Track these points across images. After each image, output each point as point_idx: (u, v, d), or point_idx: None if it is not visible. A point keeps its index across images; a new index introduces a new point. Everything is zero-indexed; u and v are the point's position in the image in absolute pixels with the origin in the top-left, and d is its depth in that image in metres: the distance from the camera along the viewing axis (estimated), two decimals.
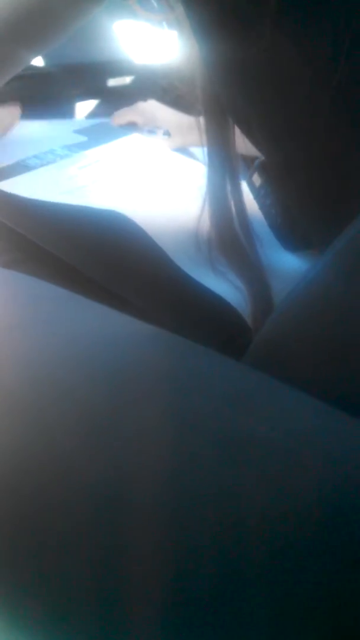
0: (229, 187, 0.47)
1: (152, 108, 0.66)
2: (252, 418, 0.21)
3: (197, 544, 0.17)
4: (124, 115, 0.67)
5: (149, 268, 0.43)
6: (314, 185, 0.40)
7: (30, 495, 0.19)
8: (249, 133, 0.47)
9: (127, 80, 0.75)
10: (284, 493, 0.18)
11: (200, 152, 0.56)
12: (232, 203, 0.47)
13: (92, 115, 0.74)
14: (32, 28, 0.45)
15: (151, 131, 0.66)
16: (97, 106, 0.74)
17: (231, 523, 0.17)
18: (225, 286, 0.43)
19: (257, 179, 0.48)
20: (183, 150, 0.64)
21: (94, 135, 0.62)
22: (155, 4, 0.71)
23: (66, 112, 0.71)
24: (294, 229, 0.45)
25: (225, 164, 0.46)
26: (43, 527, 0.18)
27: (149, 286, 0.42)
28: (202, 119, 0.48)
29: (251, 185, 0.49)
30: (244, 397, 0.22)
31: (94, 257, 0.44)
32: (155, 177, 0.56)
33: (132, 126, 0.66)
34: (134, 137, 0.63)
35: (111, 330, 0.28)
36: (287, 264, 0.45)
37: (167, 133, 0.65)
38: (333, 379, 0.25)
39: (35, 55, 0.49)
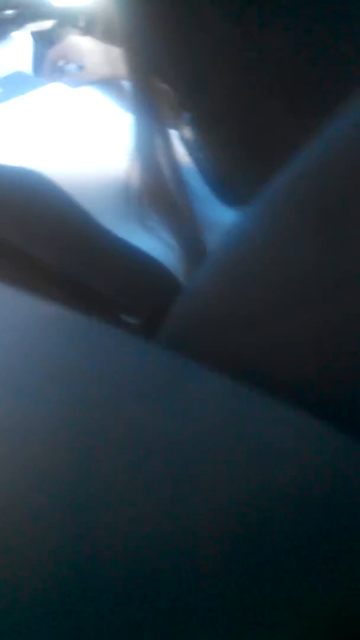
0: (158, 139, 0.45)
1: (77, 42, 0.62)
2: (177, 417, 0.19)
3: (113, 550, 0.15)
4: (50, 57, 0.62)
5: (68, 229, 0.40)
6: (239, 137, 0.39)
7: None
8: (176, 85, 0.44)
9: (47, 24, 0.70)
10: (197, 490, 0.17)
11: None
12: (162, 155, 0.44)
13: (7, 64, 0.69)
14: None
15: (62, 69, 0.62)
16: (13, 54, 0.69)
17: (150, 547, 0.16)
18: (156, 244, 0.41)
19: (187, 132, 0.46)
20: (110, 93, 0.60)
21: (9, 86, 0.57)
22: None
23: None
24: (229, 183, 0.43)
25: (152, 113, 0.44)
26: None
27: (69, 248, 0.39)
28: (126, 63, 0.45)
29: (183, 138, 0.47)
30: (164, 392, 0.20)
31: (6, 218, 0.40)
32: (78, 129, 0.52)
33: (58, 74, 0.62)
34: (53, 87, 0.59)
35: (13, 313, 0.25)
36: (225, 219, 0.43)
37: (80, 68, 0.61)
38: (252, 351, 0.23)
39: None
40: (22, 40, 0.68)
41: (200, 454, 0.18)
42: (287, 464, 0.18)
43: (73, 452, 0.17)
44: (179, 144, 0.47)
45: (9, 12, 0.68)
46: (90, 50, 0.63)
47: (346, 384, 0.21)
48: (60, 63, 0.65)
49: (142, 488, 0.17)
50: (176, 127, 0.47)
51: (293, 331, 0.22)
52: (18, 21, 0.71)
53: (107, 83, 0.63)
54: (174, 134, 0.46)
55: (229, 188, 0.43)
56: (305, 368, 0.22)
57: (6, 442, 0.18)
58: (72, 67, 0.64)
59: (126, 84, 0.65)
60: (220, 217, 0.44)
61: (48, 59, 0.65)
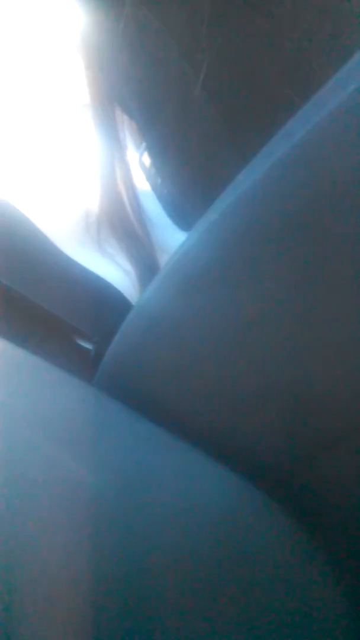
0: (118, 164, 0.45)
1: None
2: (92, 460, 0.19)
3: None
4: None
5: (22, 248, 0.40)
6: (186, 166, 0.39)
7: None
8: (131, 112, 0.45)
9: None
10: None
11: None
12: (121, 180, 0.45)
13: None
14: None
15: None
16: None
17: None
18: (113, 269, 0.41)
19: (146, 159, 0.47)
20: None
21: None
22: None
23: None
24: (182, 208, 0.44)
25: (113, 139, 0.45)
26: None
27: (23, 269, 0.40)
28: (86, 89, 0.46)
29: (142, 165, 0.48)
30: (85, 433, 0.20)
31: None
32: (40, 152, 0.53)
33: None
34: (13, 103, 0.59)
35: None
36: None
37: None
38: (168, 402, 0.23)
39: None
40: None
41: (119, 498, 0.18)
42: (193, 503, 0.18)
43: None
44: (138, 170, 0.48)
45: None
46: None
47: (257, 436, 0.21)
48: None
49: (50, 530, 0.16)
50: (136, 154, 0.48)
51: (209, 381, 0.22)
52: None
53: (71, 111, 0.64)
54: (133, 160, 0.47)
55: (182, 213, 0.44)
56: (217, 418, 0.21)
57: None
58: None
59: (89, 110, 0.66)
60: (177, 242, 0.45)
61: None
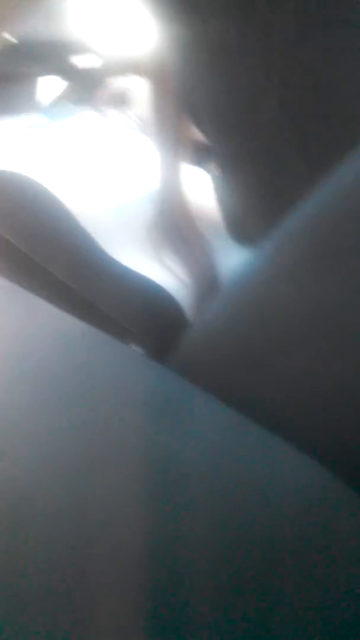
0: (180, 173, 0.46)
1: (119, 85, 0.64)
2: (180, 437, 0.19)
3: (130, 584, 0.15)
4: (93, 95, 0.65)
5: (81, 251, 0.41)
6: (258, 180, 0.39)
7: None
8: (200, 123, 0.45)
9: (93, 62, 0.72)
10: (225, 517, 0.17)
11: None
12: (182, 191, 0.45)
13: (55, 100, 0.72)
14: None
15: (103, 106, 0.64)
16: (61, 90, 0.71)
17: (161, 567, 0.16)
18: (169, 278, 0.41)
19: (209, 169, 0.47)
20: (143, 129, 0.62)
21: (55, 113, 0.60)
22: None
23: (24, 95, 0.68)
24: (244, 222, 0.43)
25: (176, 148, 0.45)
26: None
27: (82, 272, 0.40)
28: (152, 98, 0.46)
29: (202, 174, 0.48)
30: (169, 411, 0.21)
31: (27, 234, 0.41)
32: (105, 159, 0.54)
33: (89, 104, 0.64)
34: (87, 115, 0.61)
35: (30, 316, 0.26)
36: (239, 258, 0.43)
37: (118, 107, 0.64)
38: (260, 386, 0.23)
39: None
40: (68, 73, 0.71)
41: (195, 473, 0.18)
42: (275, 494, 0.18)
43: (74, 459, 0.18)
44: (200, 182, 0.48)
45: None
46: (129, 92, 0.65)
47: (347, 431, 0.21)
48: (101, 101, 0.67)
49: (139, 501, 0.17)
50: (199, 165, 0.48)
51: (296, 371, 0.22)
52: (65, 57, 0.74)
53: (142, 123, 0.65)
54: (196, 172, 0.47)
55: (245, 229, 0.44)
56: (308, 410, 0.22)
57: (9, 444, 0.18)
58: (112, 106, 0.66)
59: (157, 123, 0.67)
60: (234, 256, 0.44)
61: (91, 95, 0.67)
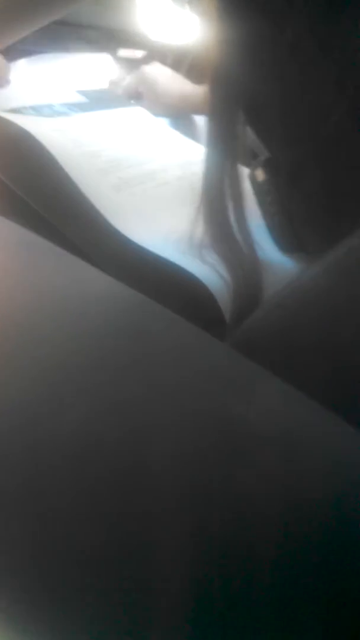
0: (227, 175, 0.45)
1: (154, 72, 0.64)
2: (247, 407, 0.19)
3: (199, 543, 0.16)
4: (129, 81, 0.65)
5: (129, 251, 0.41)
6: (320, 192, 0.39)
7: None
8: (258, 126, 0.45)
9: (139, 54, 0.72)
10: (285, 492, 0.17)
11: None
12: (229, 192, 0.45)
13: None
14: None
15: (140, 95, 0.64)
16: (101, 73, 0.71)
17: (233, 520, 0.16)
18: (211, 276, 0.41)
19: (260, 174, 0.46)
20: (186, 127, 0.62)
21: (95, 99, 0.59)
22: None
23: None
24: (292, 230, 0.43)
25: (226, 149, 0.45)
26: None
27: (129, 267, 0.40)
28: (209, 99, 0.46)
29: (253, 179, 0.47)
30: (235, 382, 0.21)
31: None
32: (149, 154, 0.53)
33: (137, 97, 0.64)
34: (135, 110, 0.60)
35: (94, 290, 0.26)
36: (279, 264, 0.43)
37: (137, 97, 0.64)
38: (316, 378, 0.24)
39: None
40: (110, 61, 0.71)
41: (293, 458, 0.18)
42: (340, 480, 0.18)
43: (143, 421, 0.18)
44: (248, 185, 0.48)
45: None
46: (166, 81, 0.65)
47: None
48: (139, 89, 0.67)
49: (213, 462, 0.17)
50: (248, 167, 0.48)
51: None
52: (109, 44, 0.74)
53: (177, 116, 0.65)
54: (244, 174, 0.47)
55: (290, 235, 0.43)
56: None
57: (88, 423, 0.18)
58: (145, 94, 0.66)
59: (201, 119, 0.67)
60: (275, 261, 0.44)
61: (128, 82, 0.67)
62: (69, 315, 0.22)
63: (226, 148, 0.46)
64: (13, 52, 0.63)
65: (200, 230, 0.44)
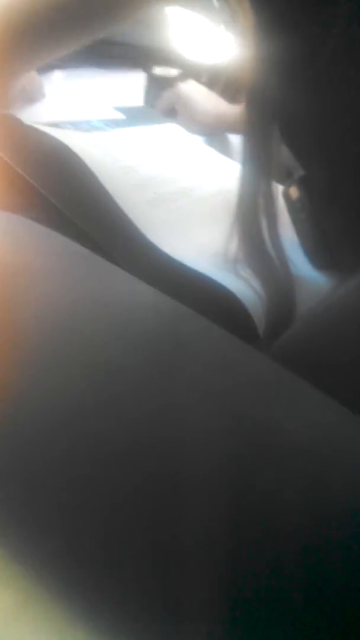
0: (262, 192, 0.46)
1: (190, 90, 0.65)
2: (282, 413, 0.20)
3: (231, 542, 0.16)
4: (164, 99, 0.66)
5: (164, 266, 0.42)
6: (355, 210, 0.39)
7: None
8: (293, 144, 0.46)
9: (173, 72, 0.74)
10: (318, 498, 0.17)
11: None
12: (263, 209, 0.45)
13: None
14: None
15: (174, 112, 0.65)
16: (138, 90, 0.73)
17: (265, 521, 0.16)
18: (245, 290, 0.41)
19: (294, 192, 0.47)
20: (221, 144, 0.63)
21: (132, 116, 0.60)
22: (215, 3, 0.70)
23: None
24: (325, 247, 0.43)
25: (261, 167, 0.45)
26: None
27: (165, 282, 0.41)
28: (245, 117, 0.47)
29: (286, 196, 0.48)
30: (270, 389, 0.22)
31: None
32: (186, 170, 0.54)
33: (171, 114, 0.65)
34: (170, 127, 0.61)
35: (139, 300, 0.26)
36: (312, 280, 0.43)
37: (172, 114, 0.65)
38: (351, 393, 0.24)
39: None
40: (145, 79, 0.73)
41: (326, 465, 0.18)
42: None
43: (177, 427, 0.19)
44: (281, 201, 0.48)
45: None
46: (202, 100, 0.66)
47: None
48: (175, 107, 0.68)
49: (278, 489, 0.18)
50: (282, 184, 0.48)
51: None
52: (144, 62, 0.75)
53: (212, 134, 0.66)
54: (278, 190, 0.48)
55: (324, 251, 0.44)
56: None
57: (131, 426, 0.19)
58: (179, 112, 0.67)
59: (235, 138, 0.68)
60: (308, 277, 0.45)
61: (162, 99, 0.69)
62: (113, 324, 0.23)
63: (261, 166, 0.46)
64: (46, 66, 0.64)
65: (234, 246, 0.44)
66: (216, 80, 0.70)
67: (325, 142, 0.39)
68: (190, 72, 0.73)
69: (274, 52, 0.41)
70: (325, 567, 0.16)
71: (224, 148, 0.64)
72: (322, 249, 0.44)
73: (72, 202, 0.43)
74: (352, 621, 0.15)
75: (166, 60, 0.73)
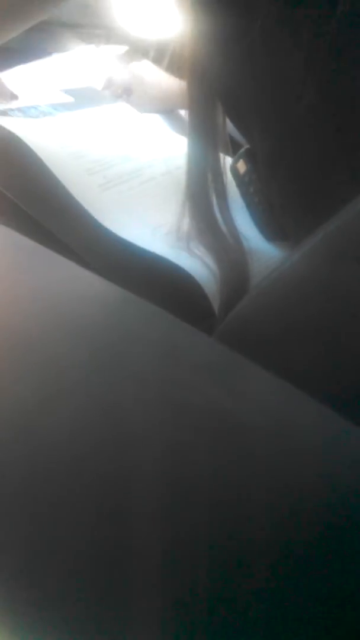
0: (210, 167, 0.46)
1: (142, 70, 0.65)
2: (236, 400, 0.20)
3: (192, 536, 0.16)
4: (118, 80, 0.65)
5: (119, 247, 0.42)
6: (297, 178, 0.40)
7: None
8: (235, 118, 0.46)
9: (120, 49, 0.73)
10: (278, 483, 0.17)
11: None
12: (212, 184, 0.46)
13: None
14: None
15: (126, 92, 0.65)
16: (85, 70, 0.72)
17: (227, 513, 0.17)
18: (199, 269, 0.42)
19: (241, 166, 0.48)
20: (173, 120, 0.63)
21: (81, 98, 0.60)
22: None
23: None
24: (275, 219, 0.45)
25: (207, 142, 0.46)
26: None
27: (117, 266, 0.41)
28: (187, 92, 0.47)
29: (234, 170, 0.49)
30: (222, 375, 0.22)
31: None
32: (135, 149, 0.54)
33: (126, 94, 0.65)
34: (119, 106, 0.61)
35: (84, 290, 0.27)
36: (265, 252, 0.45)
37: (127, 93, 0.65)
38: (307, 363, 0.25)
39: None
40: (93, 58, 0.72)
41: (285, 450, 0.19)
42: (319, 465, 0.18)
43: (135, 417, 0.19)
44: (230, 176, 0.49)
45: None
46: (155, 79, 0.66)
47: None
48: (124, 86, 0.68)
49: (204, 450, 0.18)
50: (230, 158, 0.49)
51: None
52: (90, 42, 0.74)
53: (166, 111, 0.66)
54: (226, 165, 0.48)
55: (274, 223, 0.45)
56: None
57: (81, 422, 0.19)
58: (134, 91, 0.67)
59: (184, 114, 0.68)
60: (260, 250, 0.46)
61: (113, 80, 0.68)
62: (58, 316, 0.23)
63: (207, 141, 0.47)
64: None
65: (186, 223, 0.45)
66: (162, 57, 0.70)
67: (264, 113, 0.40)
68: (137, 48, 0.72)
69: (208, 26, 0.42)
70: (294, 549, 0.16)
71: (181, 125, 0.64)
72: (271, 221, 0.45)
73: (23, 193, 0.44)
74: (327, 608, 0.15)
75: (112, 38, 0.73)
